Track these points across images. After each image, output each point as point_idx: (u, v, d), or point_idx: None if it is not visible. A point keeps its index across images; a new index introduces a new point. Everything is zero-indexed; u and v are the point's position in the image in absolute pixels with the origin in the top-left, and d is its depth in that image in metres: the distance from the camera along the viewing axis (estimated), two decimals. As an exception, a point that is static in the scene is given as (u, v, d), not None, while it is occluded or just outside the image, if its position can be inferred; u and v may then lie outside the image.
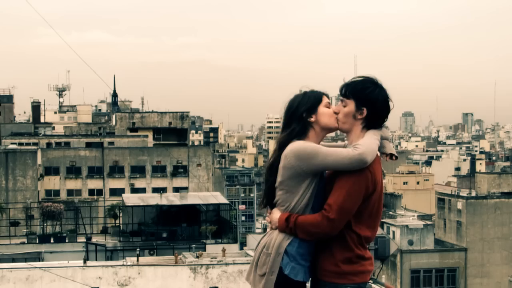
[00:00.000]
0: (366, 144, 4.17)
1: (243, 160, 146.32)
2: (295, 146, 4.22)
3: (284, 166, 4.24)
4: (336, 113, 4.36)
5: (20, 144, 71.89)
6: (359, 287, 4.28)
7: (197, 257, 33.11)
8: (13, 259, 36.84)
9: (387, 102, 4.31)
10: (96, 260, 36.95)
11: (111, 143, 73.94)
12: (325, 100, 4.37)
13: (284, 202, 4.29)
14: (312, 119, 4.33)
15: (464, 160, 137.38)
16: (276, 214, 4.31)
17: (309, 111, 4.33)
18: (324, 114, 4.33)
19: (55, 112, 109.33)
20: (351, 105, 4.29)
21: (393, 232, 64.26)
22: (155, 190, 62.20)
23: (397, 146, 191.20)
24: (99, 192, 67.04)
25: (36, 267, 30.88)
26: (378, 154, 4.31)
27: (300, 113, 4.33)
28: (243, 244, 46.57)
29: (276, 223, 4.29)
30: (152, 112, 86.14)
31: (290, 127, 4.34)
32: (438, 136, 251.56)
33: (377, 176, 4.22)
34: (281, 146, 4.33)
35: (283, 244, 4.23)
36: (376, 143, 4.23)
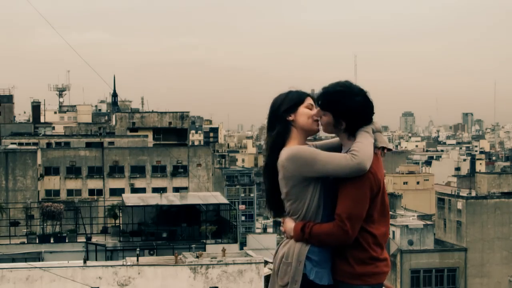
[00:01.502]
0: (362, 150, 4.10)
1: (243, 160, 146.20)
2: (290, 152, 4.14)
3: (284, 176, 4.17)
4: (316, 119, 4.30)
5: (20, 144, 71.90)
6: None
7: (197, 257, 33.10)
8: (13, 259, 36.86)
9: (364, 107, 4.24)
10: (96, 260, 36.96)
11: (111, 143, 73.94)
12: (307, 101, 4.29)
13: (296, 211, 4.22)
14: (291, 118, 4.26)
15: (464, 160, 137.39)
16: (290, 224, 4.26)
17: (288, 110, 4.26)
18: (303, 114, 4.26)
19: (55, 112, 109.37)
20: (329, 117, 4.23)
21: (393, 232, 64.23)
22: (155, 190, 62.18)
23: (397, 146, 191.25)
24: (99, 192, 67.03)
25: (36, 267, 30.89)
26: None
27: (281, 113, 4.28)
28: (243, 244, 46.55)
29: (291, 233, 4.25)
30: (152, 112, 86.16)
31: (274, 128, 4.28)
32: (438, 136, 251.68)
33: (379, 175, 4.20)
34: (272, 149, 4.27)
35: (303, 252, 4.18)
36: (370, 143, 4.17)
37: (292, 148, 4.17)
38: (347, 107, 4.17)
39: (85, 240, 40.59)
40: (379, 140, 4.28)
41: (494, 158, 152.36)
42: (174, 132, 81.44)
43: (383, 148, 4.30)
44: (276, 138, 4.26)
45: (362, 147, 4.12)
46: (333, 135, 4.47)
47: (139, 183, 67.18)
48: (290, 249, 4.23)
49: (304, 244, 4.19)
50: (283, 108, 4.28)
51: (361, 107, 4.21)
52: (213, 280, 31.08)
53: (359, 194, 4.11)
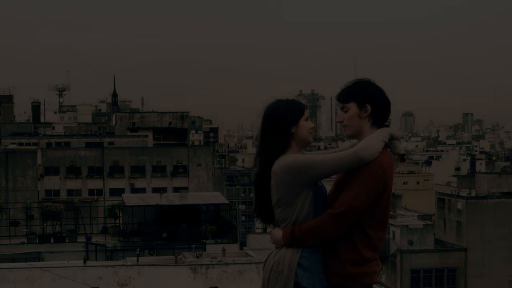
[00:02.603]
0: (365, 141, 4.15)
1: (243, 160, 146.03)
2: (285, 161, 4.16)
3: (277, 183, 4.17)
4: (339, 122, 4.35)
5: (20, 144, 71.90)
6: None
7: (197, 257, 33.10)
8: (13, 259, 36.85)
9: (385, 96, 4.34)
10: (96, 260, 36.96)
11: (111, 143, 73.95)
12: (306, 113, 4.33)
13: (285, 218, 4.23)
14: (293, 130, 4.27)
15: (464, 160, 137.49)
16: (278, 233, 4.27)
17: (292, 123, 4.28)
18: (304, 127, 4.29)
19: (55, 112, 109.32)
20: (353, 107, 4.29)
21: (393, 232, 64.22)
22: (155, 190, 62.13)
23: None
24: (99, 192, 66.99)
25: (36, 267, 30.88)
26: (389, 152, 4.28)
27: (285, 124, 4.26)
28: (243, 244, 46.57)
29: (280, 242, 4.25)
30: (152, 112, 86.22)
31: (273, 138, 4.26)
32: (438, 136, 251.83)
33: (388, 173, 4.19)
34: (269, 158, 4.24)
35: (294, 259, 4.17)
36: (379, 139, 4.19)
37: (287, 158, 4.18)
38: (370, 90, 4.30)
39: (85, 240, 40.59)
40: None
41: (494, 158, 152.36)
42: (174, 132, 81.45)
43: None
44: (275, 148, 4.25)
45: (367, 139, 4.18)
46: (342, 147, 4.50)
47: (139, 183, 67.14)
48: (281, 258, 4.22)
49: (295, 250, 4.18)
50: (288, 120, 4.27)
51: (382, 93, 4.33)
52: (213, 280, 31.05)
53: (365, 186, 4.10)
